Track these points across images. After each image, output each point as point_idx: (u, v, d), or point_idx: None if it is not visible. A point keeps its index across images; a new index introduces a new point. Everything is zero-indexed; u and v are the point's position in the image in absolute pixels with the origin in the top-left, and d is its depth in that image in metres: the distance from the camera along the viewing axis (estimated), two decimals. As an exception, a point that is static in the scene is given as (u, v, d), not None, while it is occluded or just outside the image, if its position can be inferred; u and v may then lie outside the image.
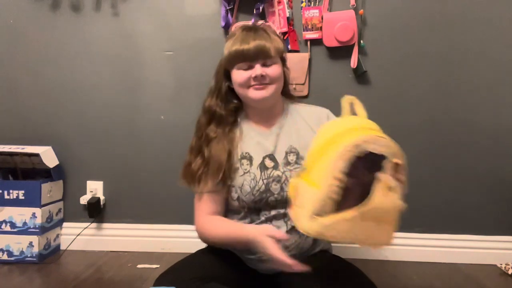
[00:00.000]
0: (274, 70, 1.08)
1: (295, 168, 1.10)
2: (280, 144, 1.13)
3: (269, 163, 1.11)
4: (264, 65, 1.07)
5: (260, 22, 1.70)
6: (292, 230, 1.07)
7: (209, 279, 0.99)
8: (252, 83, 1.07)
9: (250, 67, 1.07)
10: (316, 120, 1.15)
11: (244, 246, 1.01)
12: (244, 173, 1.11)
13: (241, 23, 1.73)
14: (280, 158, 1.12)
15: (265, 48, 1.05)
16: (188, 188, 1.15)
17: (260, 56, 1.06)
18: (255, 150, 1.13)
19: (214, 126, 1.15)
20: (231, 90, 1.15)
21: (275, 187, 1.09)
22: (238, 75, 1.09)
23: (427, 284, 1.50)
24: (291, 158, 1.11)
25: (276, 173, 1.10)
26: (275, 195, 1.09)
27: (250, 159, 1.12)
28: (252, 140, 1.15)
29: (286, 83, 1.19)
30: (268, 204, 1.10)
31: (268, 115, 1.16)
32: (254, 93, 1.08)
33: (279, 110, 1.17)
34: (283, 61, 1.15)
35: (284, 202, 1.08)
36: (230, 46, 1.09)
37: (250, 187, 1.09)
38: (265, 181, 1.09)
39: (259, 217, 1.11)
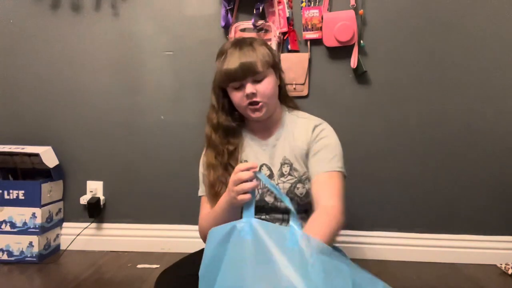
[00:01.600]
0: (265, 85, 1.09)
1: (288, 179, 1.12)
2: (276, 155, 1.15)
3: (265, 172, 1.13)
4: (255, 81, 1.09)
5: (260, 22, 1.71)
6: (287, 221, 1.11)
7: None
8: (246, 102, 1.09)
9: (242, 86, 1.09)
10: (304, 131, 1.16)
11: (231, 210, 1.00)
12: None
13: (241, 24, 1.74)
14: (275, 169, 1.14)
15: (251, 65, 1.06)
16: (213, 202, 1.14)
17: (248, 74, 1.07)
18: (253, 158, 1.15)
19: (231, 138, 1.16)
20: (231, 105, 1.16)
21: (269, 198, 1.12)
22: (234, 96, 1.11)
23: (427, 284, 1.50)
24: (285, 169, 1.13)
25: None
26: (270, 205, 1.12)
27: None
28: (251, 149, 1.17)
29: (282, 87, 1.20)
30: (265, 210, 1.14)
31: (266, 125, 1.18)
32: (251, 113, 1.10)
33: (277, 120, 1.18)
34: (276, 68, 1.15)
35: (277, 210, 1.12)
36: (220, 67, 1.11)
37: None
38: (260, 191, 1.12)
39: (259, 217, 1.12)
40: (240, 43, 1.12)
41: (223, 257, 0.81)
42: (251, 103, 1.09)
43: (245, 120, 1.20)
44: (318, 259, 0.75)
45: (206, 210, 1.17)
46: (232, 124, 1.15)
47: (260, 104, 1.09)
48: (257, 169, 0.92)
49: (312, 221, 0.95)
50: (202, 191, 1.21)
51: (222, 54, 1.12)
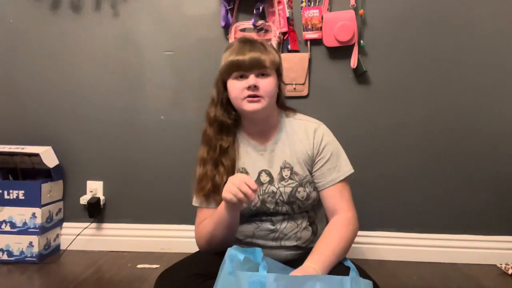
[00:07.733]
0: (267, 83, 1.08)
1: (289, 183, 1.11)
2: (275, 160, 1.14)
3: (264, 178, 1.13)
4: (259, 76, 1.08)
5: (260, 22, 1.71)
6: (288, 219, 1.12)
7: (210, 276, 0.99)
8: (246, 93, 1.07)
9: (245, 77, 1.08)
10: (304, 134, 1.15)
11: (230, 218, 1.03)
12: None
13: (241, 24, 1.74)
14: (275, 173, 1.13)
15: (260, 59, 1.06)
16: (204, 203, 1.15)
17: (255, 66, 1.07)
18: (251, 166, 1.15)
19: (224, 135, 1.15)
20: (229, 101, 1.15)
21: (270, 202, 1.12)
22: (233, 86, 1.09)
23: (427, 284, 1.50)
24: (286, 173, 1.12)
25: (271, 188, 1.12)
26: (271, 210, 1.12)
27: (246, 174, 1.14)
28: (248, 155, 1.16)
29: (280, 95, 1.19)
30: (265, 214, 1.13)
31: (263, 128, 1.16)
32: (247, 105, 1.08)
33: (274, 124, 1.17)
34: (279, 74, 1.15)
35: (278, 214, 1.12)
36: (227, 57, 1.10)
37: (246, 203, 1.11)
38: (260, 197, 1.12)
39: (260, 218, 1.13)
40: (251, 40, 1.13)
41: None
42: (250, 96, 1.07)
43: (241, 122, 1.18)
44: None
45: (201, 219, 1.15)
46: (228, 121, 1.14)
47: (259, 97, 1.07)
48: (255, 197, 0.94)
49: (332, 231, 1.04)
50: (194, 201, 1.19)
51: (231, 46, 1.12)
